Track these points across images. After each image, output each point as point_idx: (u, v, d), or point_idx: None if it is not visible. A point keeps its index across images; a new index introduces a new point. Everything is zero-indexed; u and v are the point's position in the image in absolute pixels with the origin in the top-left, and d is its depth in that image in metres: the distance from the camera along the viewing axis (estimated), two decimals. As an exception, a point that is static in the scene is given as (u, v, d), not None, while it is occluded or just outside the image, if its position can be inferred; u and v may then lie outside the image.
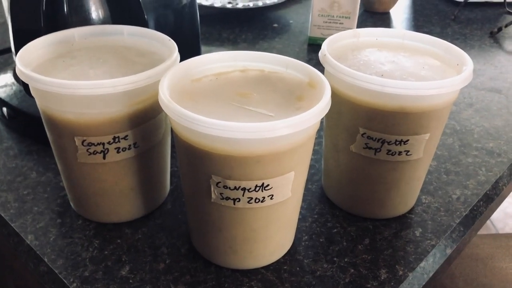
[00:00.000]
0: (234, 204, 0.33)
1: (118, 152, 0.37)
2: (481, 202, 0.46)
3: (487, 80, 0.69)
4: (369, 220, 0.43)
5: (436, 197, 0.46)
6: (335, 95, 0.38)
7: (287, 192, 0.33)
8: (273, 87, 0.36)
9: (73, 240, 0.40)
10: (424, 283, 0.38)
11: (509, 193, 0.53)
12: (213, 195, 0.33)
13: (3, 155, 0.50)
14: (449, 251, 0.41)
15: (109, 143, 0.36)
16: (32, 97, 0.37)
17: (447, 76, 0.38)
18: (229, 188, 0.32)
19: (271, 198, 0.33)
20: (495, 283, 0.70)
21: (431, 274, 0.39)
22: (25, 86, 0.44)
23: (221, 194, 0.32)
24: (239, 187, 0.32)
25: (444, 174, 0.49)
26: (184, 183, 0.36)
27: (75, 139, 0.36)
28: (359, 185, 0.41)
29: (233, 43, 0.79)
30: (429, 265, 0.39)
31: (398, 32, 0.43)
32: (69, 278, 0.36)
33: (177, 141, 0.33)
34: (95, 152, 0.36)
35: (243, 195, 0.32)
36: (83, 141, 0.36)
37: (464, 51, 0.39)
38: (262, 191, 0.32)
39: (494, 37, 0.84)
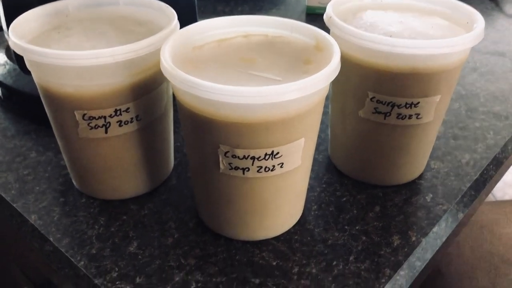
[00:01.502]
0: (244, 174, 0.31)
1: (120, 125, 0.35)
2: (491, 166, 0.45)
3: (490, 44, 0.68)
4: (379, 187, 0.42)
5: (445, 162, 0.45)
6: (342, 59, 0.37)
7: (297, 160, 0.32)
8: (278, 52, 0.34)
9: (78, 219, 0.39)
10: (437, 248, 0.38)
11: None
12: (221, 166, 0.31)
13: (0, 136, 0.48)
14: (461, 215, 0.41)
15: (110, 116, 0.35)
16: (27, 74, 0.36)
17: (457, 35, 0.37)
18: (238, 157, 0.31)
19: (281, 167, 0.32)
20: (500, 248, 0.70)
21: (444, 239, 0.38)
22: (20, 62, 0.42)
23: (229, 164, 0.31)
24: (248, 156, 0.30)
25: (452, 139, 0.48)
26: (190, 155, 0.35)
27: (75, 113, 0.34)
28: (367, 152, 0.40)
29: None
30: (441, 229, 0.39)
31: (404, -7, 0.42)
32: (76, 257, 0.35)
33: (181, 110, 0.32)
34: (96, 127, 0.35)
35: (252, 164, 0.31)
36: (84, 115, 0.34)
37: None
38: (272, 159, 0.31)
39: (495, 0, 0.82)
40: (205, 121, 0.30)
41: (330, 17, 0.37)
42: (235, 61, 0.33)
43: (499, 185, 1.61)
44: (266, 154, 0.31)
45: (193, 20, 0.55)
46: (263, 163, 0.31)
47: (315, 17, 0.75)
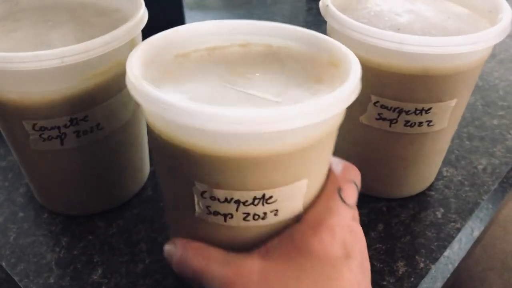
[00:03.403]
0: (225, 221, 0.24)
1: (78, 136, 0.30)
2: (511, 173, 0.40)
3: (510, 26, 0.61)
4: (383, 200, 0.37)
5: (459, 168, 0.40)
6: (340, 56, 0.31)
7: (298, 206, 0.24)
8: (283, 66, 0.27)
9: (37, 239, 0.34)
10: (449, 275, 0.33)
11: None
12: (197, 209, 0.24)
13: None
14: (476, 233, 0.35)
15: (65, 126, 0.29)
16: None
17: (478, 27, 0.31)
18: (218, 200, 0.23)
19: (275, 215, 0.24)
20: (514, 247, 0.66)
21: (456, 264, 0.33)
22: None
23: (207, 207, 0.24)
24: (231, 199, 0.23)
25: (466, 140, 0.43)
26: (162, 189, 0.28)
27: (24, 123, 0.29)
28: (371, 162, 0.35)
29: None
30: (454, 253, 0.34)
31: (415, -26, 0.35)
32: (31, 287, 0.31)
33: (150, 135, 0.25)
34: (50, 138, 0.30)
35: (237, 210, 0.23)
36: (34, 125, 0.29)
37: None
38: (263, 205, 0.23)
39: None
40: (177, 151, 0.23)
41: (327, 5, 0.31)
42: (227, 76, 0.26)
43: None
44: (255, 198, 0.23)
45: (179, 11, 0.49)
46: (251, 209, 0.23)
47: None
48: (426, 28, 0.30)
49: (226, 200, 0.23)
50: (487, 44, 0.28)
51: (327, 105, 0.21)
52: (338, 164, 0.26)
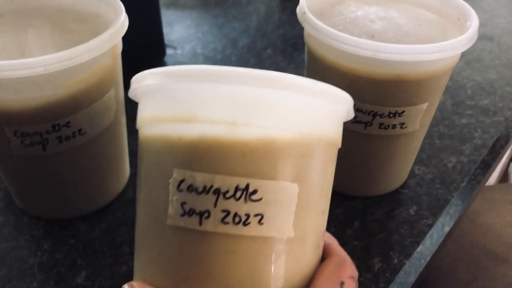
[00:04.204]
0: (201, 223, 0.20)
1: (60, 142, 0.30)
2: (479, 170, 0.42)
3: (477, 27, 0.63)
4: (359, 198, 0.38)
5: (430, 166, 0.41)
6: (317, 61, 0.33)
7: (286, 224, 0.20)
8: None
9: (18, 243, 0.34)
10: (421, 270, 0.34)
11: (504, 155, 0.49)
12: (170, 210, 0.20)
13: None
14: (447, 229, 0.37)
15: (47, 132, 0.30)
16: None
17: (448, 33, 0.32)
18: (196, 190, 0.20)
19: (259, 222, 0.20)
20: (481, 240, 0.68)
21: (428, 259, 0.35)
22: None
23: (182, 205, 0.20)
24: (211, 187, 0.20)
25: (437, 138, 0.44)
26: (137, 199, 0.23)
27: (5, 129, 0.29)
28: (346, 163, 0.36)
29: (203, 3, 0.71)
30: (426, 248, 0.35)
31: (388, -19, 0.37)
32: (14, 292, 0.31)
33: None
34: (32, 144, 0.30)
35: (215, 206, 0.20)
36: (16, 131, 0.29)
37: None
38: (246, 200, 0.20)
39: (482, -23, 0.78)
40: (161, 143, 0.21)
41: (304, 12, 0.32)
42: None
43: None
44: (237, 188, 0.20)
45: (155, 12, 0.49)
46: (232, 206, 0.20)
47: (291, -5, 0.69)
48: (399, 35, 0.32)
49: (204, 189, 0.20)
50: (456, 51, 0.29)
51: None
52: (344, 256, 0.24)
